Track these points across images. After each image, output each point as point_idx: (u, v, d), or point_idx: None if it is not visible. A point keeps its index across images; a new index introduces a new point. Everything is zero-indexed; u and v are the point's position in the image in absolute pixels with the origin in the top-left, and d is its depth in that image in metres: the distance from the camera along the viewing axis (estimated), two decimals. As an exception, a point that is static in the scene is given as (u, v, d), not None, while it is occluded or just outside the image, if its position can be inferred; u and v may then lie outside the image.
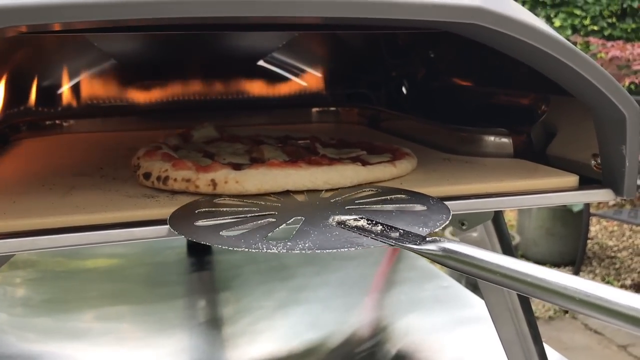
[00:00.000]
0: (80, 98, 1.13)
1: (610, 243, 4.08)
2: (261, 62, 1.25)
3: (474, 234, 0.75)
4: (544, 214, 3.68)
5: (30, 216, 0.57)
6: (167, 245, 1.64)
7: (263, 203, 0.61)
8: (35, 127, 1.08)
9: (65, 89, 1.12)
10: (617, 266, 3.73)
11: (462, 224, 0.72)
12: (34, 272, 1.50)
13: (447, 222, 0.56)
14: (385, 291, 1.37)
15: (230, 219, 0.56)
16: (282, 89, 1.26)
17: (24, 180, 0.73)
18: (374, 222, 0.53)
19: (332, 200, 0.62)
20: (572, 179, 0.70)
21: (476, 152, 0.84)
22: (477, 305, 1.23)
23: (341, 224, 0.54)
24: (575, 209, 3.55)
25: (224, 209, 0.59)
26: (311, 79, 1.28)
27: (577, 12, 5.30)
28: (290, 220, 0.55)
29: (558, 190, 0.68)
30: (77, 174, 0.75)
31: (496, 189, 0.68)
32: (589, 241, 3.84)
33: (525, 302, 0.77)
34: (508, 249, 0.76)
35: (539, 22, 0.60)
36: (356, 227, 0.53)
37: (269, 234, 0.52)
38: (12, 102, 1.03)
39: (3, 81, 0.98)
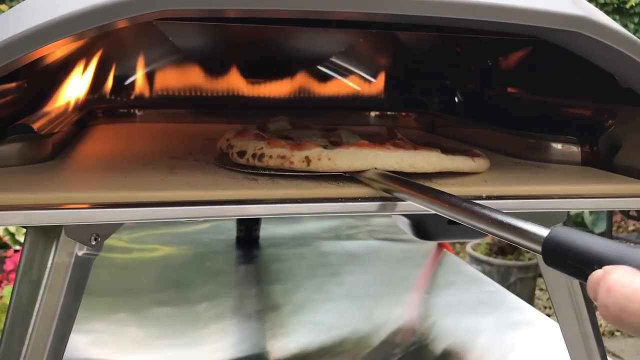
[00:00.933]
0: (152, 89, 1.18)
1: (630, 268, 4.07)
2: (322, 66, 1.30)
3: (545, 235, 0.78)
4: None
5: (148, 189, 0.61)
6: (216, 237, 1.68)
7: None
8: (110, 114, 1.13)
9: (138, 80, 1.17)
10: (635, 290, 3.72)
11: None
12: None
13: None
14: (431, 292, 1.40)
15: None
16: (340, 92, 1.31)
17: (124, 160, 0.78)
18: None
19: None
20: (645, 186, 0.73)
21: (543, 159, 0.87)
22: (523, 309, 1.26)
23: None
24: (597, 230, 3.57)
25: None
26: (368, 83, 1.32)
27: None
28: None
29: (632, 196, 0.72)
30: (171, 157, 0.79)
31: (571, 192, 0.71)
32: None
33: (589, 303, 0.80)
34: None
35: (630, 34, 0.63)
36: None
37: None
38: (92, 89, 1.08)
39: (92, 70, 1.03)
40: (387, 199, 0.64)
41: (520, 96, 1.08)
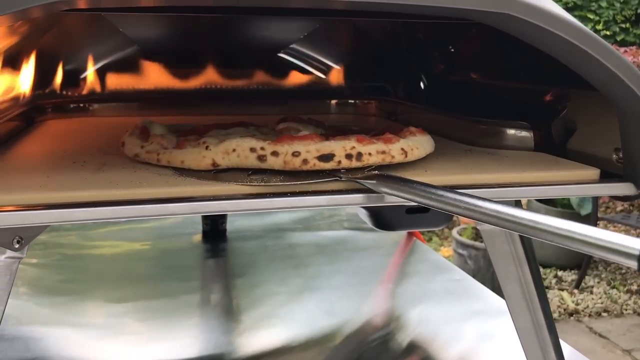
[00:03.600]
0: (105, 82, 1.15)
1: (617, 248, 4.07)
2: (282, 54, 1.27)
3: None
4: (551, 217, 3.68)
5: (66, 189, 0.59)
6: (182, 231, 1.65)
7: None
8: (60, 109, 1.10)
9: (90, 73, 1.14)
10: (623, 271, 3.73)
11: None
12: (49, 254, 1.52)
13: None
14: (398, 282, 1.38)
15: None
16: (301, 80, 1.28)
17: (55, 157, 0.75)
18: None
19: None
20: (593, 172, 0.71)
21: (497, 145, 0.85)
22: (489, 298, 1.25)
23: None
24: (583, 212, 3.55)
25: None
26: (330, 71, 1.29)
27: (591, 16, 5.29)
28: None
29: (579, 183, 0.70)
30: (107, 153, 0.76)
31: (518, 180, 0.69)
32: (595, 245, 3.83)
33: (541, 293, 0.78)
34: (528, 242, 0.77)
35: (566, 14, 0.61)
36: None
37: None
38: (38, 84, 1.05)
39: (33, 62, 1.00)
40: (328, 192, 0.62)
41: (479, 82, 1.05)
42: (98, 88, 1.14)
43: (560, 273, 3.61)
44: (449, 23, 0.86)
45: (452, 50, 1.11)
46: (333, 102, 1.26)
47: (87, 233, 1.66)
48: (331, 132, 0.79)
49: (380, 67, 1.27)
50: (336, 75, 1.29)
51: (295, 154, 0.65)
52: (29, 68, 0.99)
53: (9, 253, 0.62)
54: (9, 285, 0.63)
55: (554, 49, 0.65)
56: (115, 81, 1.16)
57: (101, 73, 1.15)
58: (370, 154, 0.66)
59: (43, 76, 1.07)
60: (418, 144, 0.72)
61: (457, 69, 1.10)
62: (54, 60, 1.10)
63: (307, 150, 0.65)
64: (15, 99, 0.94)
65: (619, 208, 4.66)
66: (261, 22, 1.18)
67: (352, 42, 1.29)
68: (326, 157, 0.65)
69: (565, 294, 3.37)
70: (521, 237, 0.76)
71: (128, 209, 0.56)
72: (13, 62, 0.93)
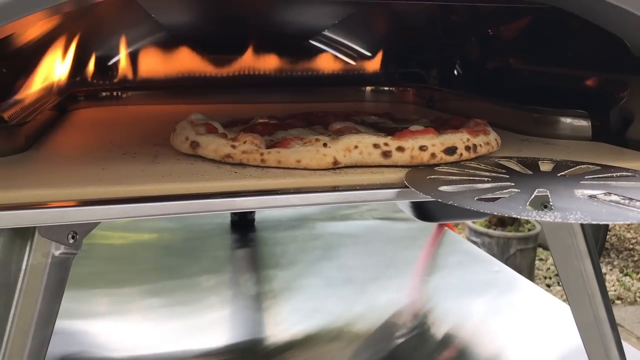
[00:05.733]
0: (136, 70, 1.12)
1: (629, 235, 4.05)
2: (314, 40, 1.24)
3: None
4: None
5: (126, 183, 0.56)
6: (210, 221, 1.63)
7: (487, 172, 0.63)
8: (91, 98, 1.08)
9: (122, 61, 1.11)
10: (635, 258, 3.71)
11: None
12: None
13: None
14: (432, 273, 1.36)
15: (470, 184, 0.58)
16: (335, 67, 1.25)
17: (103, 148, 0.72)
18: (627, 197, 0.54)
19: (558, 175, 0.63)
20: (661, 163, 0.68)
21: (551, 134, 0.83)
22: (529, 289, 1.22)
23: (592, 197, 0.55)
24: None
25: (452, 176, 0.60)
26: (365, 57, 1.26)
27: None
28: (536, 192, 0.57)
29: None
30: (154, 144, 0.74)
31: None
32: (607, 232, 3.82)
33: (602, 287, 0.76)
34: (589, 236, 0.74)
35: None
36: (611, 201, 0.54)
37: (527, 204, 0.53)
38: (72, 72, 1.02)
39: (72, 51, 0.97)
40: (389, 186, 0.59)
41: (523, 67, 1.02)
42: (130, 76, 1.12)
43: (573, 260, 3.60)
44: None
45: (491, 33, 1.08)
46: (368, 89, 1.23)
47: (114, 222, 1.63)
48: (391, 129, 0.77)
49: (415, 53, 1.24)
50: (371, 62, 1.26)
51: (423, 149, 0.64)
52: (65, 56, 0.96)
53: (64, 249, 0.60)
54: (64, 282, 0.61)
55: (626, 31, 0.62)
56: (146, 68, 1.13)
57: (133, 61, 1.12)
58: (480, 145, 0.68)
59: (76, 65, 1.04)
60: (497, 135, 0.73)
61: (497, 53, 1.07)
62: (87, 49, 1.07)
63: (433, 144, 0.65)
64: (52, 87, 0.91)
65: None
66: (295, 7, 1.15)
67: (386, 27, 1.26)
68: (451, 150, 0.65)
69: (579, 282, 3.35)
70: (583, 231, 0.73)
71: (195, 204, 0.53)
72: (48, 51, 0.90)
